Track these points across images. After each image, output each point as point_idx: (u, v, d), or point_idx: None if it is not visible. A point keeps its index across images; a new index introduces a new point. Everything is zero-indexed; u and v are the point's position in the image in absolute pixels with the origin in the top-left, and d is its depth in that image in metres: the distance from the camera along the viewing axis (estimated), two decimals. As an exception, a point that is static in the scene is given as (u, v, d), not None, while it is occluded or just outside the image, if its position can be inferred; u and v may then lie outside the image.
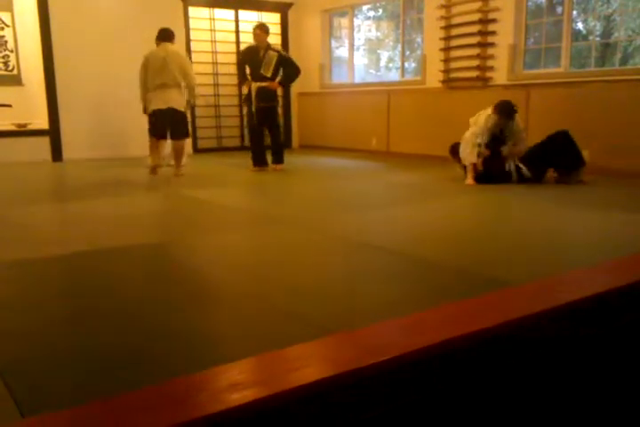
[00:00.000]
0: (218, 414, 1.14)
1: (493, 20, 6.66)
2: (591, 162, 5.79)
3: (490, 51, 6.75)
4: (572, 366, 1.78)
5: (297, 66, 6.61)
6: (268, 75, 6.40)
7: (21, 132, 7.70)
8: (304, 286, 2.44)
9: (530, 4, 6.55)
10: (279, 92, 7.02)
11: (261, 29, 6.44)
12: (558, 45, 6.31)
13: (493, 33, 6.68)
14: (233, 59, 8.86)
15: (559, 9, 6.41)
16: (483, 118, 5.35)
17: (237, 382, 1.26)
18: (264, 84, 6.39)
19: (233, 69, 8.56)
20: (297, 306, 2.18)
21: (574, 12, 6.27)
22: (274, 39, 9.34)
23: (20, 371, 1.65)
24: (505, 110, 5.27)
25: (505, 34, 6.58)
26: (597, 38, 6.62)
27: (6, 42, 8.12)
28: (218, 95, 8.88)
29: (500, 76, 6.69)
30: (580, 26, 6.76)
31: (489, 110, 5.36)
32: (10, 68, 8.19)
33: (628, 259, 2.57)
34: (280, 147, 6.71)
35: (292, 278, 2.57)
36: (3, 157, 7.26)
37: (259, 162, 6.53)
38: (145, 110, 6.23)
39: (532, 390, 1.64)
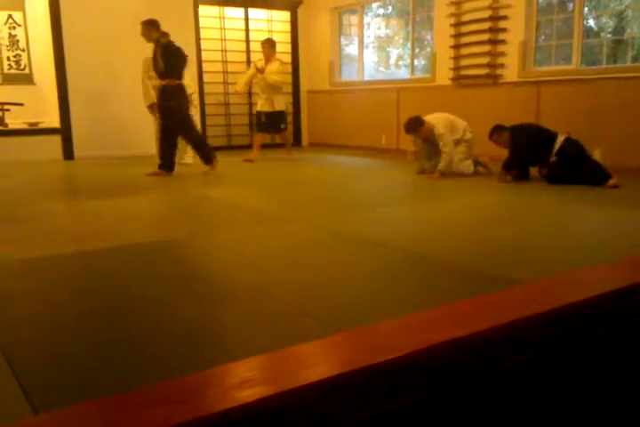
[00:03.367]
0: (228, 411, 1.14)
1: (504, 17, 6.63)
2: (603, 160, 5.75)
3: (500, 48, 6.72)
4: (581, 367, 1.77)
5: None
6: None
7: (33, 131, 7.76)
8: (312, 284, 2.44)
9: (540, 0, 6.51)
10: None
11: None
12: (569, 42, 6.27)
13: (504, 30, 6.65)
14: (243, 57, 8.89)
15: (570, 5, 6.37)
16: None
17: (247, 380, 1.27)
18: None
19: (243, 68, 8.58)
20: (305, 304, 2.18)
21: (585, 9, 6.23)
22: (284, 37, 9.37)
23: (32, 368, 1.67)
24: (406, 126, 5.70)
25: (516, 31, 6.55)
26: (609, 35, 6.57)
27: (18, 41, 8.19)
28: (228, 93, 8.90)
29: (510, 73, 6.67)
30: (591, 22, 6.70)
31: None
32: (22, 67, 8.26)
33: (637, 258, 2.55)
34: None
35: (301, 276, 2.58)
36: (15, 155, 7.31)
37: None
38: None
39: (539, 390, 1.64)
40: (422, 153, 5.85)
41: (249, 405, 1.16)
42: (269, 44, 7.36)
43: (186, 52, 7.35)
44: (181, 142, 7.06)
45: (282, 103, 7.42)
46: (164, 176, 5.97)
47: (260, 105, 7.41)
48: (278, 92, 7.36)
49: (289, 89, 9.51)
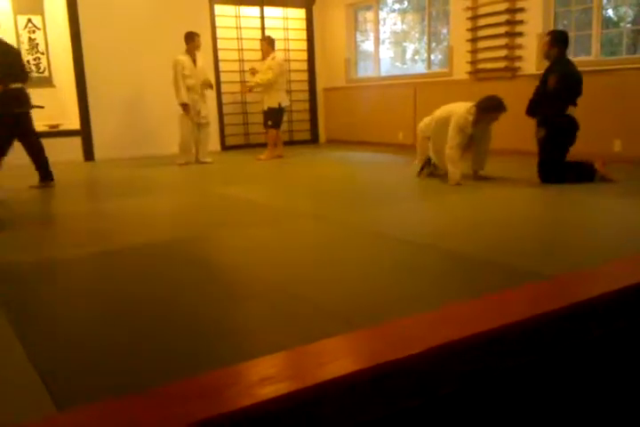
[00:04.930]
0: (249, 408, 1.15)
1: (521, 9, 6.56)
2: (624, 151, 5.67)
3: (518, 40, 6.65)
4: (608, 361, 1.75)
5: None
6: None
7: (53, 133, 7.84)
8: (332, 280, 2.44)
9: (558, -9, 6.43)
10: None
11: None
12: (588, 33, 6.18)
13: (521, 22, 6.58)
14: (259, 55, 8.89)
15: (589, -4, 6.28)
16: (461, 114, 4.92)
17: (268, 377, 1.27)
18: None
19: (258, 66, 8.57)
20: (326, 300, 2.18)
21: (604, -1, 6.14)
22: (299, 35, 9.36)
23: (56, 366, 1.69)
24: (489, 106, 4.86)
25: (533, 23, 6.48)
26: (629, 25, 6.47)
27: (37, 44, 8.28)
28: (245, 92, 8.91)
29: (528, 65, 6.59)
30: (610, 13, 6.60)
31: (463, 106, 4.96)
32: (41, 70, 8.35)
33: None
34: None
35: (320, 272, 2.58)
36: (36, 157, 7.39)
37: None
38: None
39: (565, 384, 1.62)
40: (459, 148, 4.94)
41: (270, 401, 1.17)
42: (267, 42, 7.47)
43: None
44: (199, 140, 7.10)
45: (272, 101, 7.41)
46: None
47: None
48: (271, 90, 7.36)
49: (305, 87, 9.51)
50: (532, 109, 4.92)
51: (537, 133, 4.86)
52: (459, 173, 4.87)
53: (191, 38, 6.92)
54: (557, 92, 4.72)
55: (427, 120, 5.29)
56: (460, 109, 4.94)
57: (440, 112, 5.15)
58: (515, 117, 5.29)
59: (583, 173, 4.71)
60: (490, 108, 4.87)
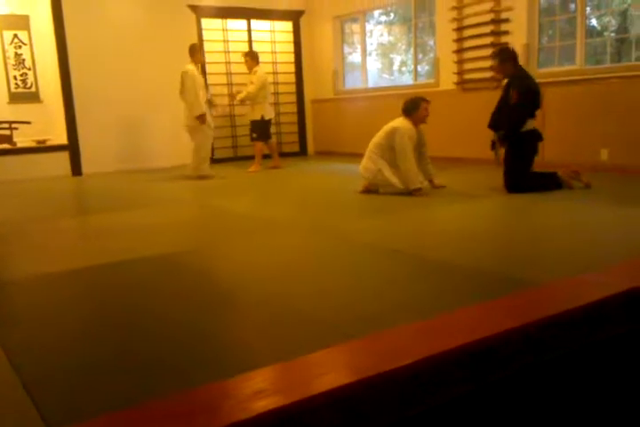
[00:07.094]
0: (243, 422, 1.14)
1: (506, 20, 6.63)
2: (610, 160, 5.72)
3: (503, 51, 6.71)
4: (597, 368, 1.75)
5: None
6: None
7: (41, 149, 7.81)
8: (323, 292, 2.43)
9: (542, 1, 6.51)
10: None
11: None
12: (572, 43, 6.25)
13: (506, 33, 6.65)
14: (246, 69, 8.94)
15: (572, 6, 6.36)
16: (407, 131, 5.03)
17: (262, 390, 1.26)
18: None
19: (245, 79, 8.62)
20: (317, 312, 2.17)
21: (588, 9, 6.22)
22: (287, 47, 9.41)
23: (46, 383, 1.67)
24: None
25: (518, 33, 6.54)
26: (612, 34, 6.55)
27: (24, 60, 8.27)
28: (232, 105, 8.93)
29: (514, 75, 6.65)
30: (594, 22, 6.69)
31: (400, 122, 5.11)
32: (28, 85, 8.34)
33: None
34: None
35: (312, 284, 2.56)
36: (24, 172, 7.37)
37: None
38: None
39: (554, 393, 1.61)
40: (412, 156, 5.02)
41: (264, 415, 1.15)
42: (249, 57, 7.56)
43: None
44: (200, 154, 7.01)
45: (255, 113, 7.50)
46: None
47: None
48: (254, 103, 7.46)
49: (293, 99, 9.54)
50: (495, 123, 5.04)
51: (497, 150, 4.95)
52: (422, 179, 5.02)
53: (197, 50, 6.94)
54: (518, 108, 4.82)
55: (368, 164, 5.31)
56: (394, 125, 5.14)
57: (372, 144, 5.33)
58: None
59: (550, 182, 4.80)
60: (415, 105, 5.06)
